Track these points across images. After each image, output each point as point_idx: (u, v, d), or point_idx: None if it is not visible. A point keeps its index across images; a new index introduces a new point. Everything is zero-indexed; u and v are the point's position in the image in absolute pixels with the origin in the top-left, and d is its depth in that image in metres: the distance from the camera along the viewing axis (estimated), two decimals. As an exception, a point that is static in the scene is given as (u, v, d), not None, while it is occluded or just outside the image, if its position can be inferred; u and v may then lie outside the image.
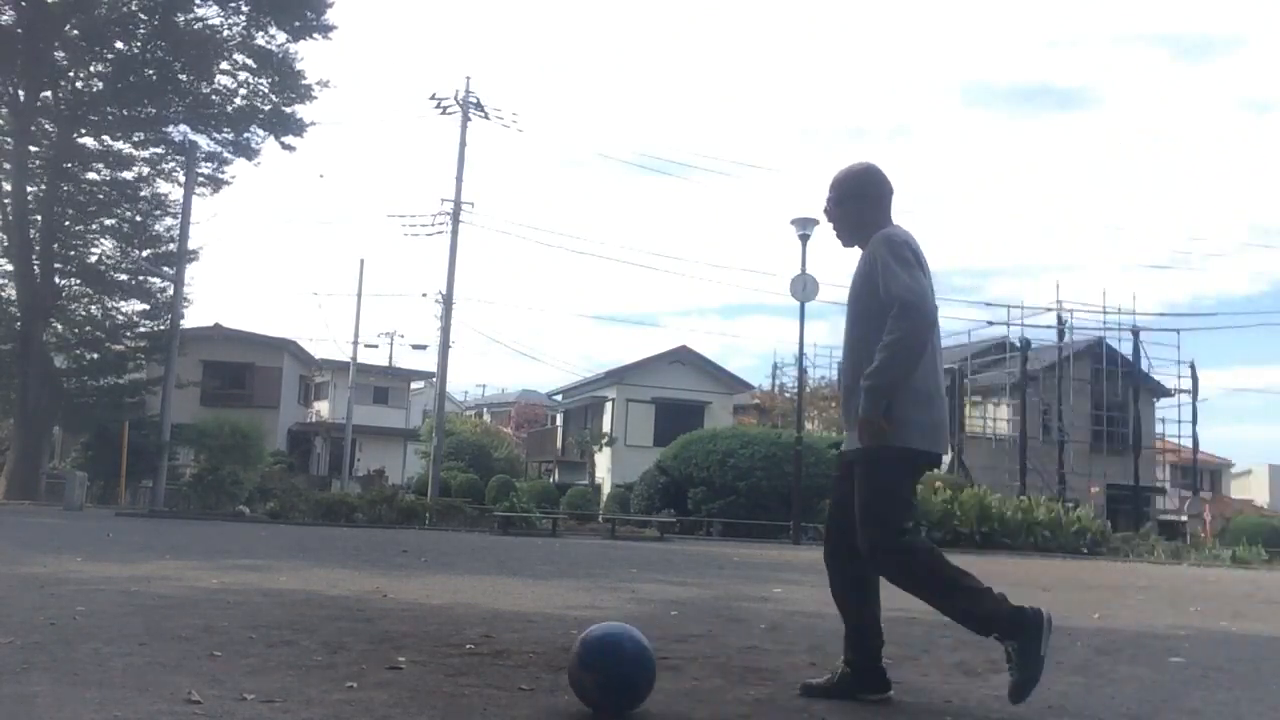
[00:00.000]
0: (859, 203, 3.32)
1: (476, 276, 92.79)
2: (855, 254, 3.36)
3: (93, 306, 26.43)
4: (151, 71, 25.30)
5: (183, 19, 24.76)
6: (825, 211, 3.41)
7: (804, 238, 20.41)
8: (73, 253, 25.73)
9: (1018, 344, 32.41)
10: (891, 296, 3.04)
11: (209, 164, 26.08)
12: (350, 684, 2.99)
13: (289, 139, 26.05)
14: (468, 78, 37.05)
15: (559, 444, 37.91)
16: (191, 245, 24.46)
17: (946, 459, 30.73)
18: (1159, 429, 35.08)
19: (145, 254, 26.13)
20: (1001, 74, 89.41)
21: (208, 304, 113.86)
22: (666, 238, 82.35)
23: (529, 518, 20.50)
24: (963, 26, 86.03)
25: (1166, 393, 34.30)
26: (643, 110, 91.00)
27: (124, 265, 26.18)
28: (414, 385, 45.07)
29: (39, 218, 24.40)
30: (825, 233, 3.56)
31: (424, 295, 43.05)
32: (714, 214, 79.45)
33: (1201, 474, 38.62)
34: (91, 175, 25.95)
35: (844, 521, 3.23)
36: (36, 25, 23.14)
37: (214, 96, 25.82)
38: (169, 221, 25.89)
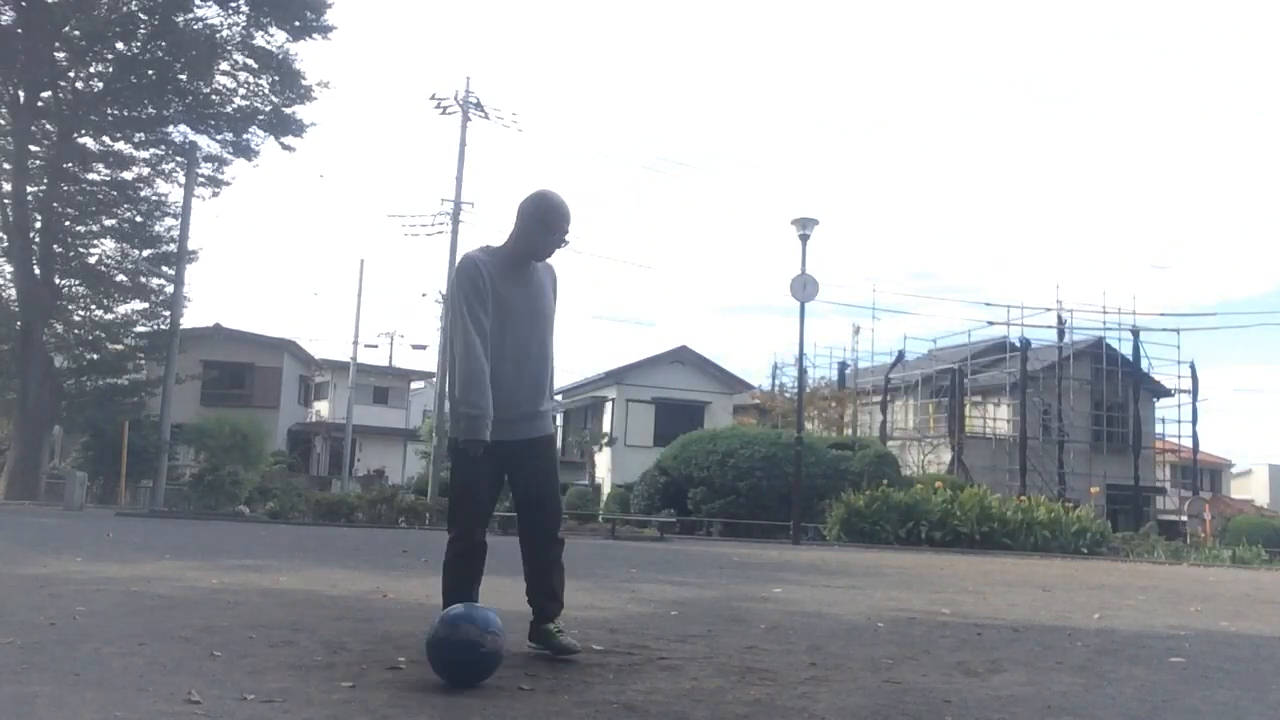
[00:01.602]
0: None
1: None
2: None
3: (93, 306, 26.45)
4: (151, 71, 25.35)
5: (183, 19, 24.79)
6: (560, 242, 3.63)
7: (804, 238, 20.41)
8: (73, 253, 25.76)
9: (1018, 344, 32.38)
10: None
11: (209, 164, 26.16)
12: (350, 684, 2.99)
13: (289, 139, 26.12)
14: (468, 78, 37.03)
15: (559, 444, 37.84)
16: (191, 245, 24.54)
17: (946, 458, 30.97)
18: (1159, 429, 35.05)
19: (145, 254, 26.17)
20: (1003, 71, 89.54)
21: (208, 304, 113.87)
22: (666, 237, 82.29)
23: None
24: (964, 24, 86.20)
25: (1166, 393, 34.28)
26: (642, 110, 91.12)
27: (124, 265, 26.22)
28: (414, 385, 45.10)
29: (39, 218, 24.41)
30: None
31: (424, 295, 42.88)
32: (714, 214, 79.38)
33: (1201, 474, 38.58)
34: (91, 175, 25.99)
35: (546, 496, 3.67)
36: (36, 25, 23.15)
37: (214, 97, 25.86)
38: (169, 222, 25.99)
